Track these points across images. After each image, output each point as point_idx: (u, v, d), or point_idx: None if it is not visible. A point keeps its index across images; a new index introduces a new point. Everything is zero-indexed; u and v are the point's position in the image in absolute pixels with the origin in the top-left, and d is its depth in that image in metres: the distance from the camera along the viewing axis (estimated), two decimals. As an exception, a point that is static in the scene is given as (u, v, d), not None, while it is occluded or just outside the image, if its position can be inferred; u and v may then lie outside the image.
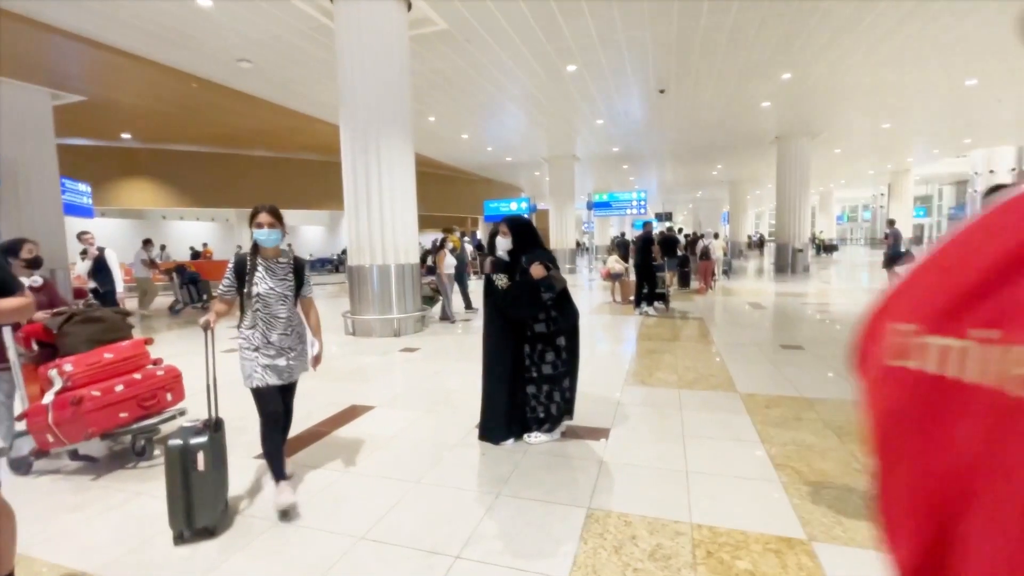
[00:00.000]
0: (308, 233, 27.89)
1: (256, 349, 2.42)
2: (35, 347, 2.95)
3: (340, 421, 3.58)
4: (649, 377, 4.52)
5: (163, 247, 20.43)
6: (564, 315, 3.10)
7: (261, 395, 2.43)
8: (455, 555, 2.01)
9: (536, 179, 24.56)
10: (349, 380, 4.74)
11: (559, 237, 18.07)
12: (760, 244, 32.84)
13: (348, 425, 3.50)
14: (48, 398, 2.75)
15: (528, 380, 3.10)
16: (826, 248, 31.12)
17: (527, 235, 3.15)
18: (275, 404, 2.46)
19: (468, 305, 9.12)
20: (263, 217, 2.44)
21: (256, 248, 2.47)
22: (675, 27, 7.65)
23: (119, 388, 2.94)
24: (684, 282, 12.27)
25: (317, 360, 2.64)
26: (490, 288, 3.16)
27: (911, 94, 11.58)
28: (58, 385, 2.78)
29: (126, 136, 14.86)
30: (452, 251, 8.57)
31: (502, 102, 11.35)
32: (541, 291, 2.97)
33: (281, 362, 2.46)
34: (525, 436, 3.13)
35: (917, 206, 33.17)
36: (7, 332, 2.76)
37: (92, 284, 6.97)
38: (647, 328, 7.01)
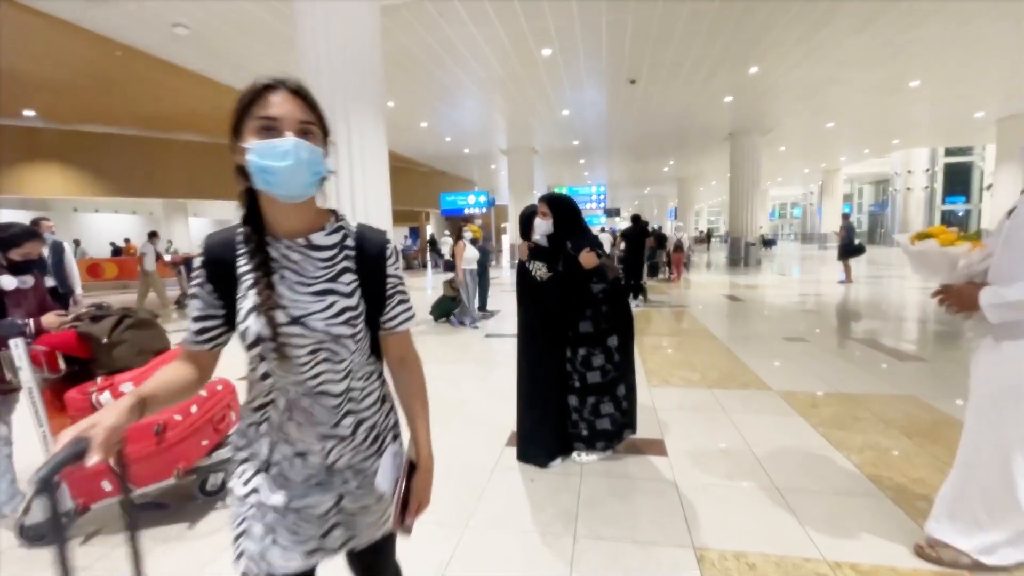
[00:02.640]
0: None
1: (255, 472, 0.95)
2: (62, 365, 2.13)
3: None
4: (671, 376, 4.17)
5: (170, 242, 18.33)
6: (616, 310, 2.63)
7: None
8: (557, 632, 1.51)
9: (491, 173, 24.04)
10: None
11: (520, 231, 17.66)
12: (708, 238, 34.08)
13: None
14: None
15: (570, 390, 2.61)
16: (765, 243, 32.77)
17: (571, 216, 2.66)
18: None
19: (483, 306, 7.81)
20: (276, 104, 0.88)
21: (255, 211, 0.94)
22: (659, 11, 7.39)
23: (194, 409, 2.25)
24: (652, 273, 12.45)
25: (406, 510, 1.00)
26: (524, 279, 2.65)
27: (860, 93, 12.07)
28: None
29: (29, 113, 12.86)
30: (473, 242, 7.33)
31: (468, 87, 10.74)
32: (592, 282, 2.51)
33: (317, 507, 0.95)
34: (574, 454, 2.65)
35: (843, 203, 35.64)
36: (19, 347, 1.98)
37: (51, 283, 5.91)
38: (639, 322, 6.71)
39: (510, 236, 19.10)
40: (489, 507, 2.24)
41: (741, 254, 16.82)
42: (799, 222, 48.35)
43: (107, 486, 2.06)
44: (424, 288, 12.91)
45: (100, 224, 20.52)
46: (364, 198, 6.07)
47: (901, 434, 2.87)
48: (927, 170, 29.28)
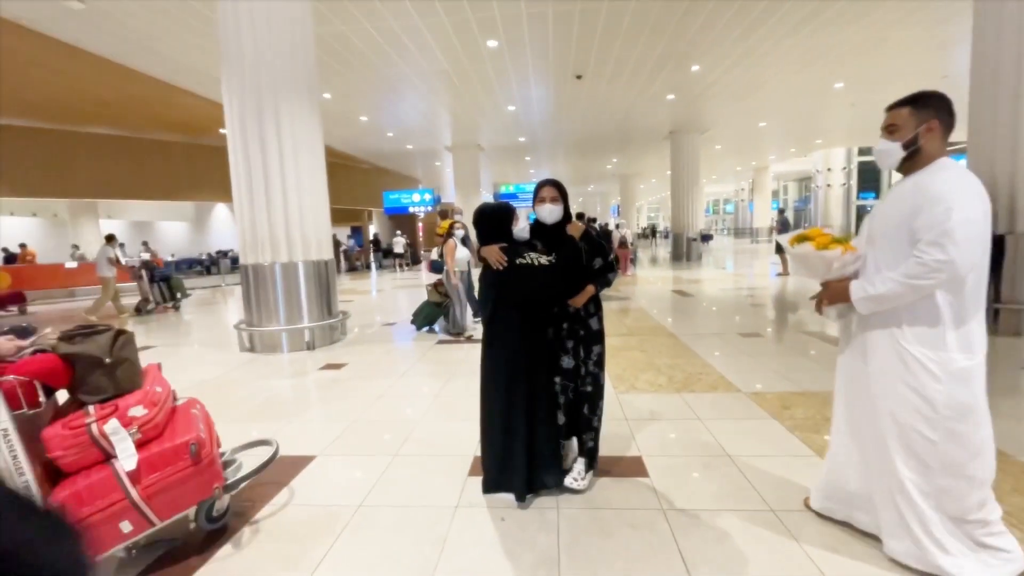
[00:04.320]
0: (168, 230, 23.81)
1: None
2: (42, 398, 1.76)
3: (266, 490, 2.46)
4: (637, 380, 3.98)
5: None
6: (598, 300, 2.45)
7: None
8: None
9: (436, 170, 23.44)
10: (261, 417, 3.55)
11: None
12: (653, 234, 35.05)
13: (281, 494, 2.44)
14: (129, 461, 1.76)
15: (583, 397, 2.37)
16: (703, 238, 34.18)
17: (567, 202, 2.44)
18: None
19: (476, 312, 6.50)
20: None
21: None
22: (605, 5, 7.26)
23: (202, 427, 2.03)
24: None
25: None
26: (505, 278, 2.27)
27: (790, 94, 12.63)
28: (126, 443, 1.78)
29: None
30: (464, 240, 6.35)
31: (411, 80, 10.23)
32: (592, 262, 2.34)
33: None
34: (569, 480, 2.33)
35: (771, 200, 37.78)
36: None
37: None
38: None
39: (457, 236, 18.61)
40: (456, 558, 1.89)
41: (683, 249, 17.32)
42: (732, 218, 50.83)
43: (127, 526, 1.77)
44: (369, 291, 12.26)
45: (-9, 228, 18.17)
46: (298, 195, 5.53)
47: (876, 435, 2.80)
48: (844, 168, 31.48)
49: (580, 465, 2.38)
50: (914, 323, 1.59)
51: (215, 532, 2.09)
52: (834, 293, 1.76)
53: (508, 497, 2.27)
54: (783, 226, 12.33)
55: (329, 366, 4.88)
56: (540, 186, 2.41)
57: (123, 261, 9.40)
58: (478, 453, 2.74)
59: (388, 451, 2.88)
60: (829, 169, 31.72)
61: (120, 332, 2.00)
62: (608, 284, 2.41)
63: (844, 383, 1.88)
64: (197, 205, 23.21)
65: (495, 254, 2.27)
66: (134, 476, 1.77)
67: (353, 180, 21.59)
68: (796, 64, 10.16)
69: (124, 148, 15.04)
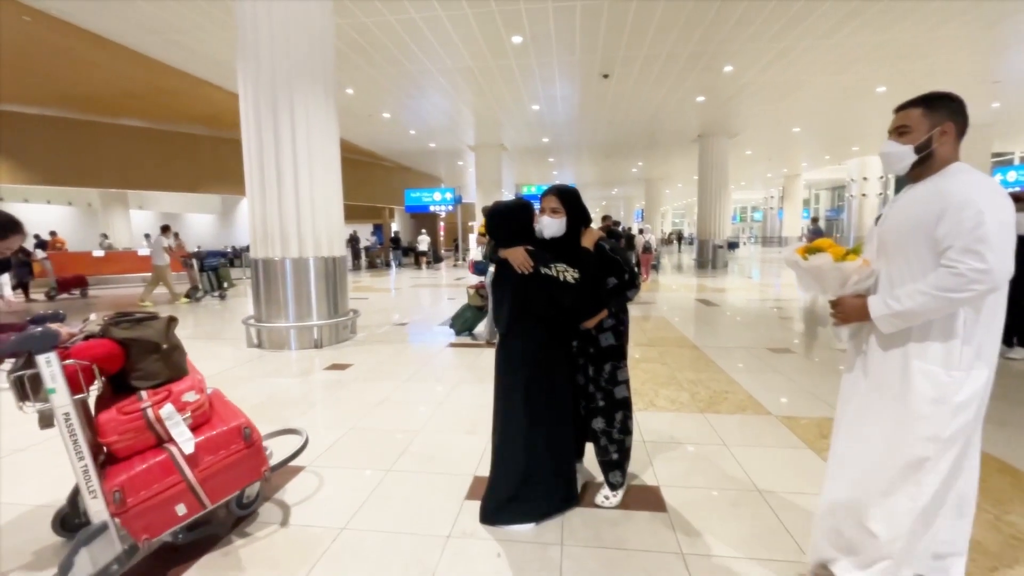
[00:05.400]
0: (196, 222, 24.27)
1: None
2: (98, 383, 1.78)
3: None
4: (656, 397, 3.69)
5: (104, 235, 17.13)
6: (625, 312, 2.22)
7: None
8: None
9: (459, 169, 23.34)
10: (255, 418, 3.36)
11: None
12: (678, 239, 34.38)
13: (263, 510, 2.25)
14: (188, 445, 1.81)
15: (593, 413, 2.19)
16: (730, 245, 33.39)
17: (582, 212, 2.17)
18: None
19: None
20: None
21: None
22: (635, 2, 6.96)
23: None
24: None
25: None
26: (528, 287, 2.02)
27: (828, 98, 12.08)
28: (181, 427, 1.83)
29: (-68, 89, 11.40)
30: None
31: (433, 76, 10.08)
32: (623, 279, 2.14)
33: None
34: (600, 499, 2.20)
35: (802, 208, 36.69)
36: (52, 363, 1.58)
37: None
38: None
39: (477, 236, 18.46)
40: (441, 602, 1.66)
41: (708, 256, 16.80)
42: (760, 226, 49.59)
43: (182, 509, 1.79)
44: (386, 289, 12.16)
45: (30, 216, 18.76)
46: (311, 189, 5.38)
47: (929, 474, 2.46)
48: (881, 177, 30.36)
49: (605, 488, 2.24)
50: (925, 337, 1.44)
51: (182, 553, 1.90)
52: (850, 310, 1.57)
53: (506, 528, 2.03)
54: (815, 235, 11.79)
55: (334, 366, 4.71)
56: (543, 194, 2.16)
57: (174, 248, 9.78)
58: (479, 472, 2.52)
59: (382, 465, 2.66)
60: (865, 178, 30.67)
61: (172, 319, 2.04)
62: (627, 301, 2.18)
63: (847, 403, 1.67)
64: (224, 198, 23.58)
65: (521, 256, 1.99)
66: (192, 459, 1.82)
67: (375, 177, 21.65)
68: (835, 66, 9.66)
69: (152, 140, 15.31)
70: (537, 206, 2.19)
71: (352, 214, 17.15)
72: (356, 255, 19.20)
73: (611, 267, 2.10)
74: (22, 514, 2.22)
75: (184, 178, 16.35)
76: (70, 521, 1.98)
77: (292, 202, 5.30)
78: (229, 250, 21.29)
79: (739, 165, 23.44)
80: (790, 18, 7.53)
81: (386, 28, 7.66)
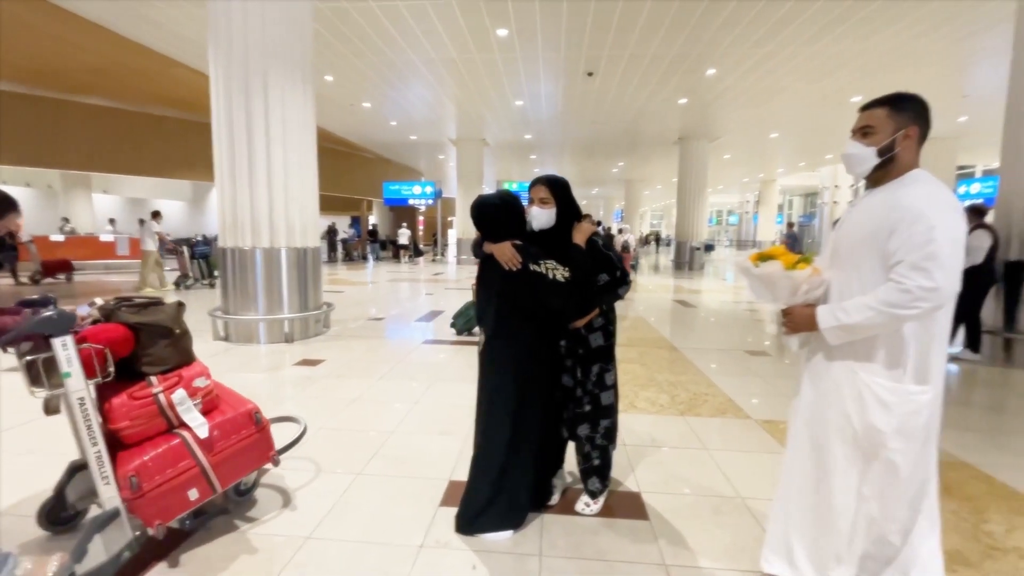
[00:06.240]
0: (165, 209, 23.33)
1: None
2: (111, 368, 1.68)
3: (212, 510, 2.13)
4: (636, 399, 3.64)
5: (65, 219, 16.49)
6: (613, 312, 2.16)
7: None
8: None
9: (439, 163, 23.08)
10: (222, 416, 3.20)
11: (468, 226, 16.95)
12: (656, 240, 34.70)
13: (221, 517, 2.09)
14: (202, 430, 1.82)
15: (579, 418, 2.10)
16: (706, 248, 33.91)
17: (572, 204, 2.07)
18: None
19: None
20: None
21: None
22: (621, 1, 6.91)
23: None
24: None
25: None
26: (515, 285, 1.90)
27: (806, 105, 12.30)
28: (192, 412, 1.84)
29: None
30: None
31: (416, 67, 9.87)
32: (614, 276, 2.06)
33: None
34: (580, 506, 2.14)
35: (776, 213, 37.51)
36: (68, 347, 1.52)
37: None
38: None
39: (457, 231, 18.28)
40: (411, 619, 1.55)
41: (686, 258, 16.99)
42: (735, 229, 50.53)
43: (194, 494, 1.78)
44: (362, 282, 11.91)
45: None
46: (285, 177, 5.16)
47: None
48: (852, 185, 31.17)
49: (586, 495, 2.18)
50: (872, 350, 1.43)
51: (127, 567, 1.74)
52: (799, 320, 1.53)
53: (483, 537, 1.93)
54: (792, 240, 12.02)
55: (305, 362, 4.53)
56: (531, 184, 2.06)
57: (162, 236, 9.60)
58: (454, 476, 2.41)
59: (352, 468, 2.53)
60: (836, 186, 31.45)
61: (180, 304, 2.02)
62: (618, 299, 2.10)
63: (796, 414, 1.65)
64: (195, 185, 22.76)
65: (509, 252, 1.87)
66: (206, 444, 1.81)
67: (353, 168, 21.19)
68: (815, 73, 9.82)
69: (119, 120, 14.62)
70: (524, 199, 2.09)
71: (329, 205, 16.73)
72: (332, 247, 18.78)
73: (604, 263, 2.02)
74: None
75: (152, 162, 15.68)
76: (56, 513, 1.89)
77: (264, 190, 5.08)
78: (200, 238, 20.61)
79: (718, 169, 23.75)
80: (776, 22, 7.59)
81: (367, 14, 7.43)
